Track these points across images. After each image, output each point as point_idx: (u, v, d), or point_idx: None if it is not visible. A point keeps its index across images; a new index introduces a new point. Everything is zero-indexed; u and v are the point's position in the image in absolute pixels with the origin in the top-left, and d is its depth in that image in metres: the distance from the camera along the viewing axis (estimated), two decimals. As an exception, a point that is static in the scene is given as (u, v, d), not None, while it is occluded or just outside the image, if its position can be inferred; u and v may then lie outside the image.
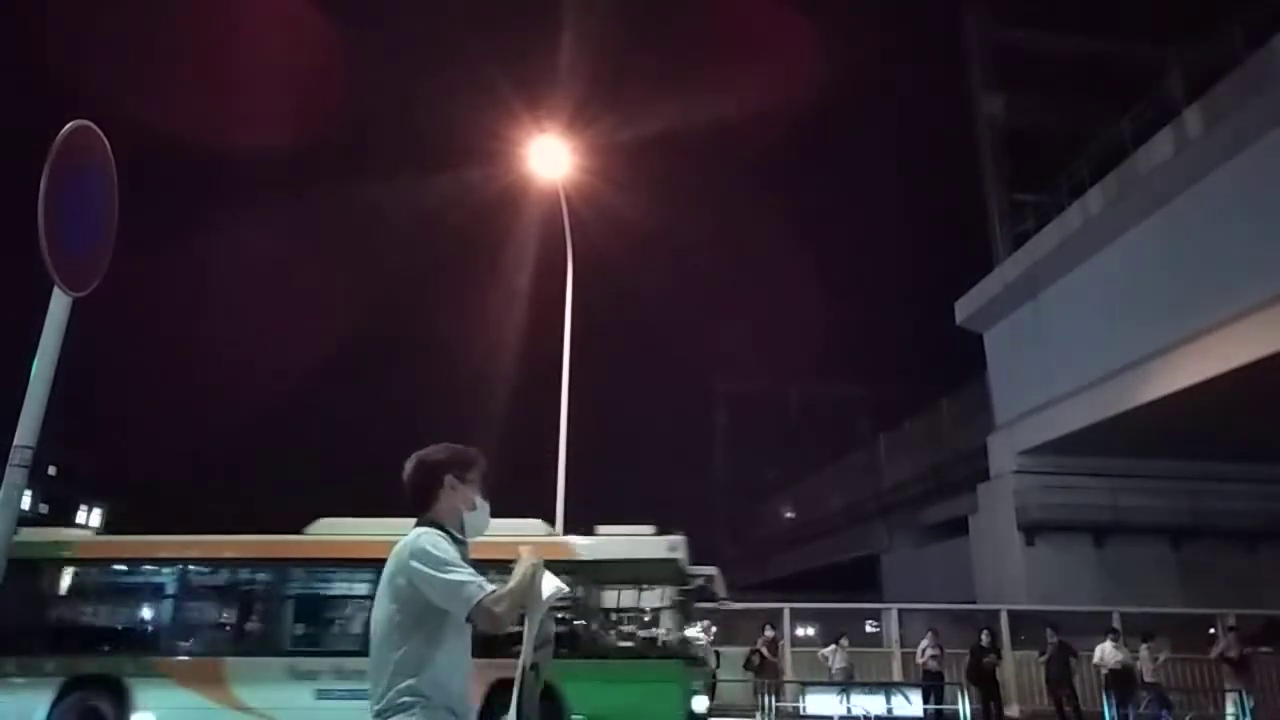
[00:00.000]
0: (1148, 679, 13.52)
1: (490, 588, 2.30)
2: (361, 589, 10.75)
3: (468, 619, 2.29)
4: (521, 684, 2.46)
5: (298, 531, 11.18)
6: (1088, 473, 22.74)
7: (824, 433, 49.58)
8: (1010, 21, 28.66)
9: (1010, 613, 16.59)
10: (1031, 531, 23.27)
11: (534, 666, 2.47)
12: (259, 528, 11.51)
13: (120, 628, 11.18)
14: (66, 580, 11.34)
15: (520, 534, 11.09)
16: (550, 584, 2.45)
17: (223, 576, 11.45)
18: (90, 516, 57.75)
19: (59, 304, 3.00)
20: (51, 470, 49.63)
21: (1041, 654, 13.90)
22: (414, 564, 2.32)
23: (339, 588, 11.54)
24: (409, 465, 2.60)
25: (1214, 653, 14.42)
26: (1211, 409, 18.18)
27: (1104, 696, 13.48)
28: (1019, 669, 15.48)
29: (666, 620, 10.68)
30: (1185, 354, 17.87)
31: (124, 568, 11.60)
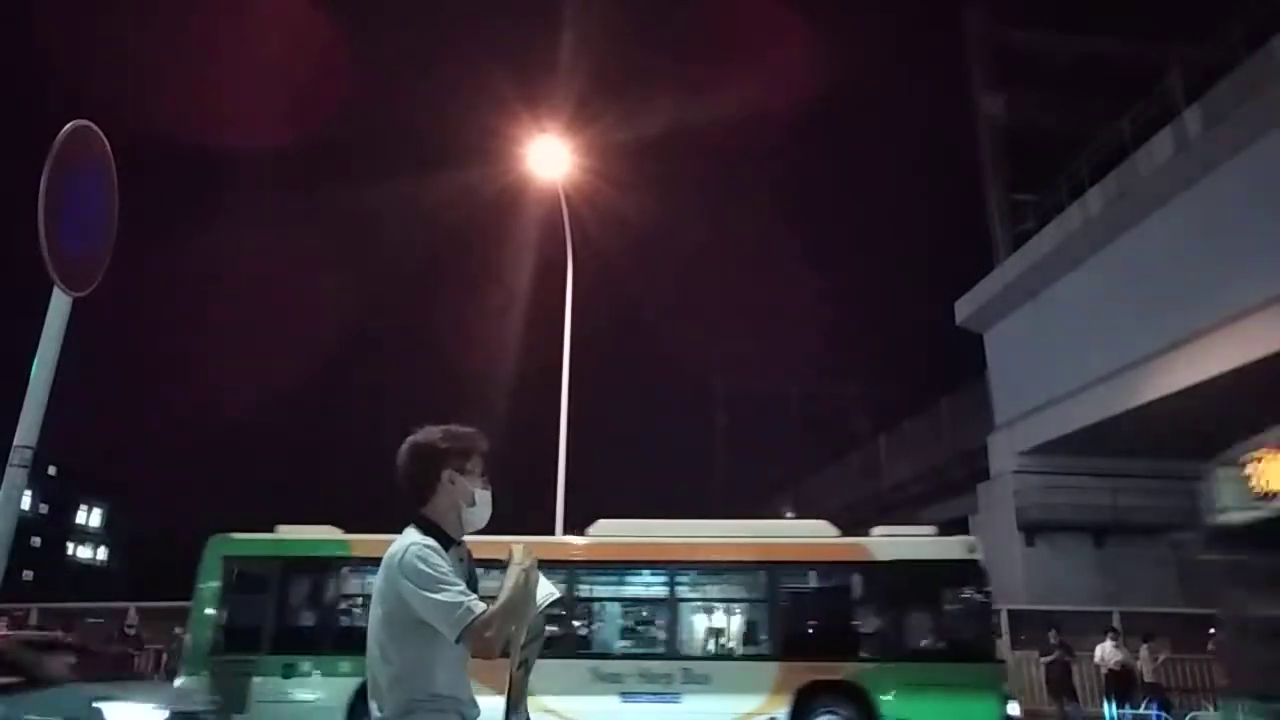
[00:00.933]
0: (1148, 679, 13.53)
1: (480, 609, 2.17)
2: (658, 591, 10.83)
3: (457, 641, 2.17)
4: (511, 683, 2.38)
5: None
6: (1088, 473, 22.67)
7: (824, 433, 49.55)
8: (1010, 21, 28.65)
9: (1010, 612, 16.57)
10: (1031, 531, 23.24)
11: (523, 664, 2.40)
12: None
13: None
14: (348, 580, 11.16)
15: (805, 535, 11.12)
16: (544, 588, 2.34)
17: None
18: (90, 516, 57.79)
19: (59, 304, 2.99)
20: (52, 470, 49.65)
21: (1042, 654, 13.89)
22: (404, 581, 2.22)
23: (631, 589, 11.34)
24: (403, 453, 2.46)
25: (1212, 645, 14.44)
26: (1211, 409, 18.13)
27: (1104, 697, 13.48)
28: (1019, 669, 15.46)
29: (972, 622, 10.45)
30: (1185, 354, 17.85)
31: None
